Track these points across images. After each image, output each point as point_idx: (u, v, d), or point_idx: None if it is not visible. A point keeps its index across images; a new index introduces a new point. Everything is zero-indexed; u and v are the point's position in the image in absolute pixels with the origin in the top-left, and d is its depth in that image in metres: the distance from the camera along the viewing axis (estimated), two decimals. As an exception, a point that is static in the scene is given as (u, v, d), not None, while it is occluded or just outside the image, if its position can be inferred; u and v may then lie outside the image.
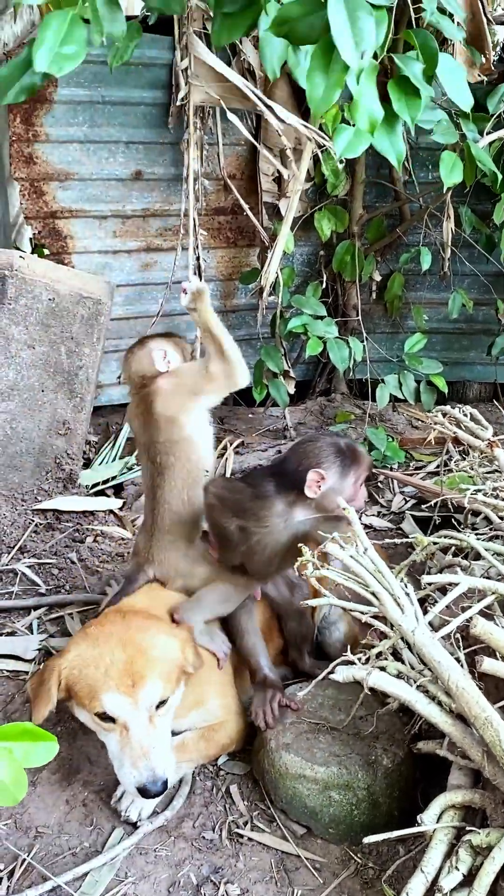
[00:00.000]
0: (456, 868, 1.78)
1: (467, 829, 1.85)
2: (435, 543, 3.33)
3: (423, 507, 3.78)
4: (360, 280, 4.65)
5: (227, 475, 4.09)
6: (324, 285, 4.69)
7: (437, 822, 1.88)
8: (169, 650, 2.24)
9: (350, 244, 4.57)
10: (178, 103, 3.97)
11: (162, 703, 2.18)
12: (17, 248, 4.23)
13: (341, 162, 4.38)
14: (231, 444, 4.33)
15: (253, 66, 3.90)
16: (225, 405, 5.04)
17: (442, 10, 3.56)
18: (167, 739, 2.21)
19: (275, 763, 2.28)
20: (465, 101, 3.57)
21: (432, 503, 3.41)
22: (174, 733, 2.43)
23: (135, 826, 2.24)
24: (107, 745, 2.20)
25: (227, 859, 2.18)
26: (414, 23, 3.40)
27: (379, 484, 4.12)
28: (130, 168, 4.17)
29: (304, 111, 4.16)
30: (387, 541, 3.34)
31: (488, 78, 4.33)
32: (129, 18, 3.68)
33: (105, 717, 2.15)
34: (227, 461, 4.22)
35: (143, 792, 2.09)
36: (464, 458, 4.08)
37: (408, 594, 1.91)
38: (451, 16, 3.62)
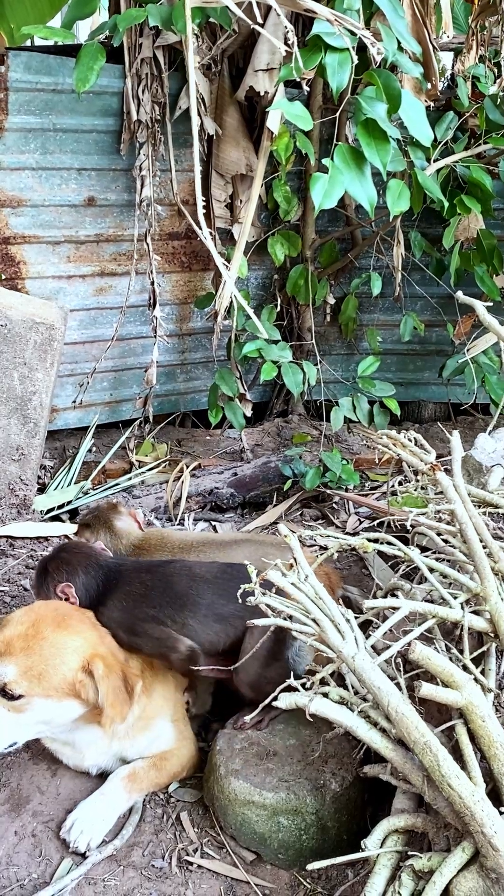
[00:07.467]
0: (399, 893, 1.79)
1: (409, 853, 1.87)
2: (384, 557, 3.39)
3: (378, 526, 3.80)
4: (314, 303, 4.69)
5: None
6: (278, 308, 4.73)
7: (381, 846, 1.90)
8: (67, 659, 2.18)
9: (303, 268, 4.61)
10: None
11: (12, 696, 2.15)
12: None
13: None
14: (188, 467, 4.33)
15: (203, 96, 3.94)
16: (182, 427, 5.07)
17: (400, 48, 3.61)
18: None
19: (224, 789, 2.29)
20: (426, 137, 3.62)
21: (379, 522, 3.43)
22: (125, 762, 2.43)
23: (83, 856, 2.24)
24: None
25: (177, 887, 2.18)
26: (373, 61, 3.44)
27: (334, 505, 4.15)
28: (83, 194, 4.19)
29: (255, 139, 4.21)
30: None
31: (435, 104, 4.41)
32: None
33: None
34: (184, 484, 4.22)
35: None
36: (417, 478, 4.12)
37: (348, 620, 1.93)
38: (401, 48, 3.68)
